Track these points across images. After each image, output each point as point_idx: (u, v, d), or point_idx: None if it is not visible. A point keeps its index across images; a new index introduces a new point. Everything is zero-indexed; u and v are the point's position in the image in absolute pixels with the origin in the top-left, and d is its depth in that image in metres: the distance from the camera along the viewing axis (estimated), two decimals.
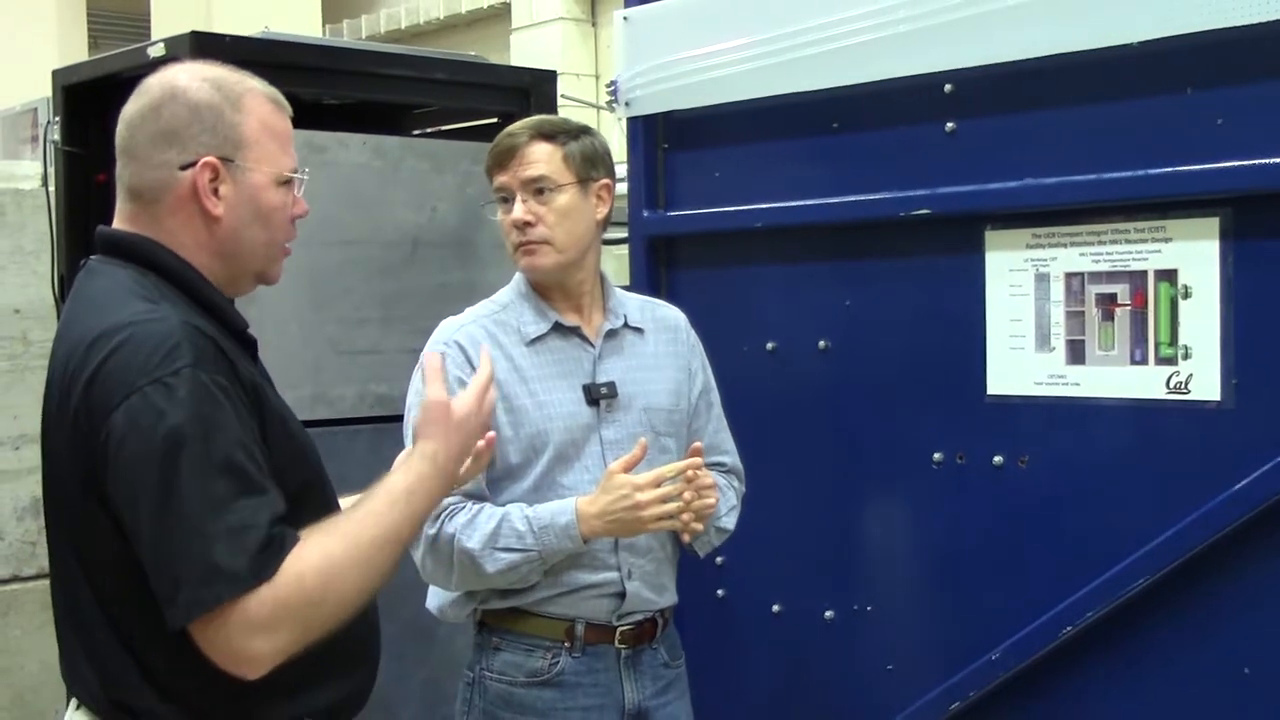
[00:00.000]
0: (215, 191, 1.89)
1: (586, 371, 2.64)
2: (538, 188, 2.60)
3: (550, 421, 2.58)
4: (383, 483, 1.90)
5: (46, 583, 4.60)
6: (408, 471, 1.90)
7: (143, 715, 1.81)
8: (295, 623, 1.74)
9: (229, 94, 1.91)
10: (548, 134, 2.63)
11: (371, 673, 2.03)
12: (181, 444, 1.70)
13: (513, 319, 2.65)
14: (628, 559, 2.60)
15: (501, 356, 2.59)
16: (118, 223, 1.93)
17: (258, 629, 1.71)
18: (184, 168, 1.87)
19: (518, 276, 2.71)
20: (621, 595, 2.61)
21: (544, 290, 2.68)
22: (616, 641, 2.62)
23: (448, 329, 2.67)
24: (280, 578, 1.71)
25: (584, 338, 2.66)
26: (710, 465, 2.79)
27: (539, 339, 2.63)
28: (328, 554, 1.76)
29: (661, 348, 2.75)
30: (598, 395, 2.62)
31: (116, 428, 1.72)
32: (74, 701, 1.90)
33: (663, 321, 2.79)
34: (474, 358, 2.57)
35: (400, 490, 1.88)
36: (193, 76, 1.91)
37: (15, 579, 4.52)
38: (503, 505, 2.56)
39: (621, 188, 3.47)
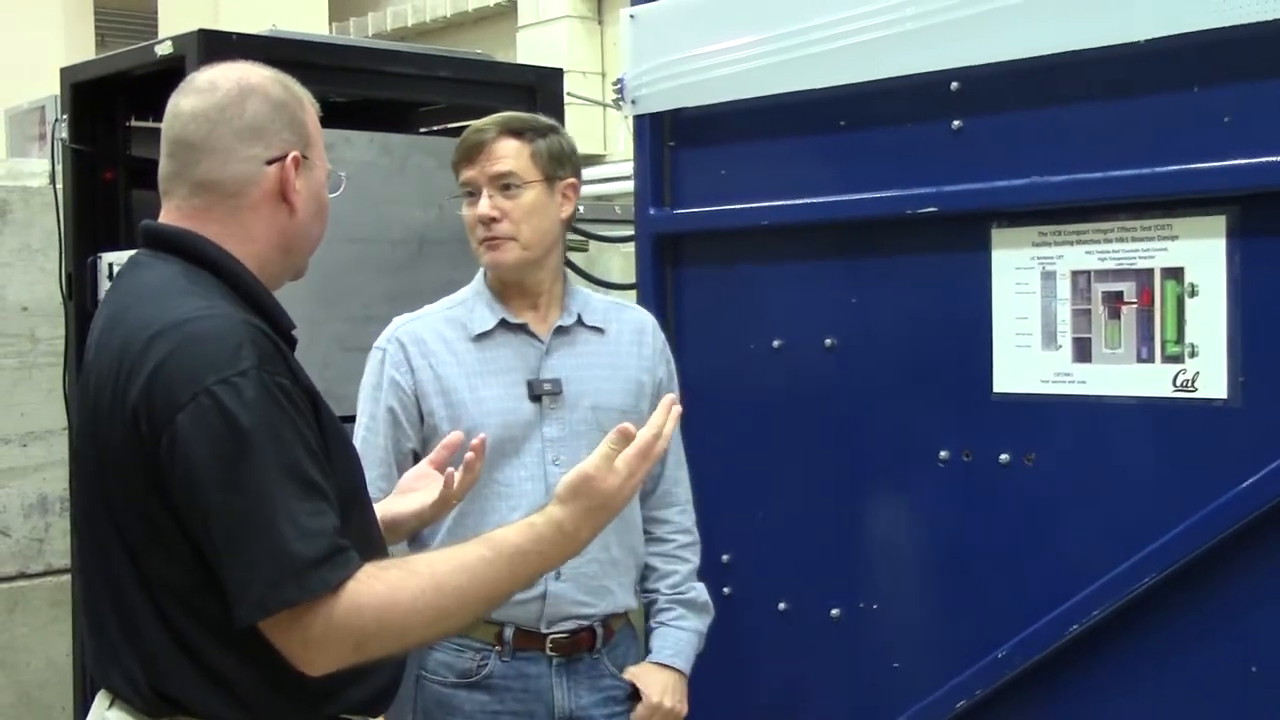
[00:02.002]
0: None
1: (532, 368, 2.63)
2: (504, 184, 2.59)
3: (487, 417, 2.57)
4: (500, 533, 1.86)
5: (53, 580, 4.61)
6: (527, 531, 1.85)
7: (190, 708, 1.81)
8: (347, 646, 1.75)
9: (294, 94, 1.96)
10: (516, 130, 2.63)
11: (404, 665, 2.06)
12: (250, 448, 1.70)
13: (463, 315, 2.66)
14: None
15: (447, 352, 2.61)
16: (169, 218, 1.94)
17: (311, 642, 1.73)
18: (269, 162, 1.90)
19: (479, 274, 2.71)
20: (545, 596, 2.58)
21: (501, 287, 2.67)
22: (547, 649, 2.61)
23: (395, 325, 2.70)
24: (340, 601, 1.71)
25: (532, 334, 2.65)
26: (653, 525, 2.78)
27: (485, 335, 2.63)
28: (395, 593, 1.75)
29: (623, 348, 2.73)
30: (540, 391, 2.61)
31: (183, 428, 1.72)
32: (105, 699, 1.90)
33: (629, 323, 2.77)
34: (413, 356, 2.61)
35: (509, 548, 1.83)
36: (259, 75, 1.95)
37: (22, 575, 4.53)
38: None
39: (628, 185, 3.48)
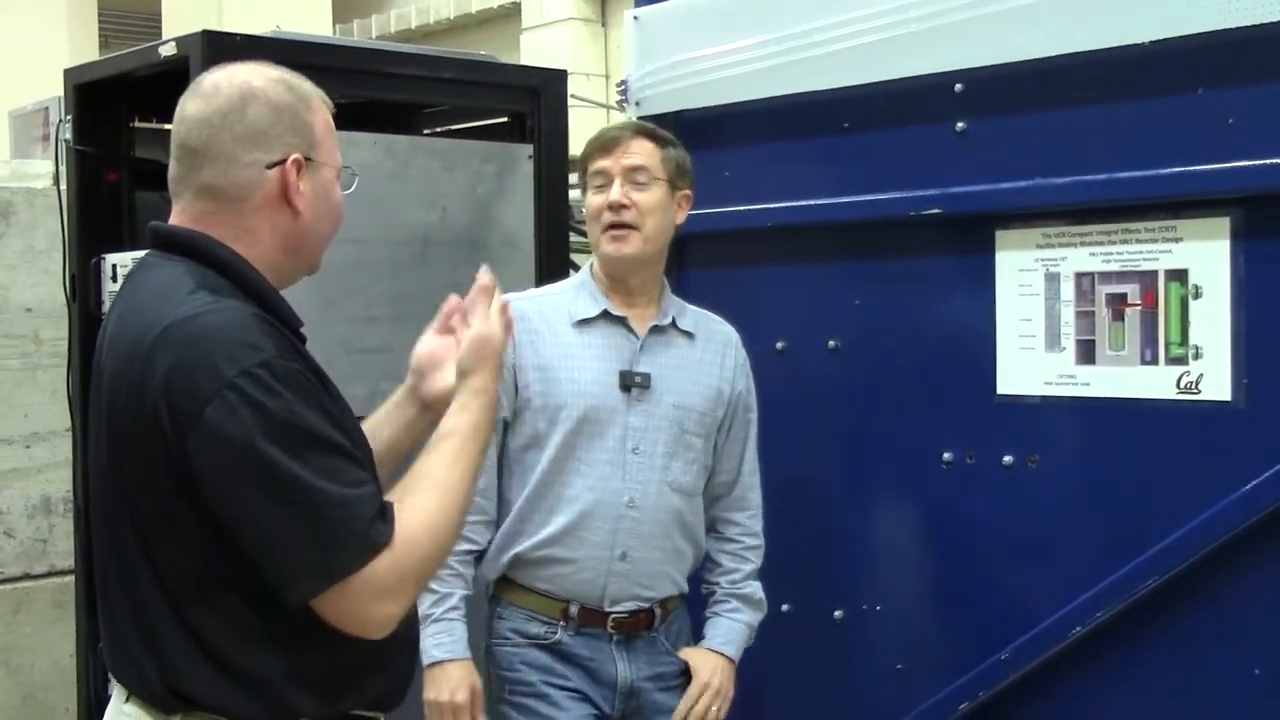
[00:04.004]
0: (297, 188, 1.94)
1: (626, 360, 2.76)
2: (637, 178, 2.73)
3: (578, 397, 2.71)
4: (449, 424, 1.98)
5: (57, 580, 4.60)
6: (466, 409, 2.00)
7: (203, 703, 1.83)
8: (415, 582, 1.84)
9: (299, 95, 1.97)
10: (649, 134, 2.80)
11: (414, 660, 2.09)
12: (284, 430, 1.74)
13: (567, 302, 2.79)
14: (625, 541, 2.71)
15: (549, 331, 2.76)
16: (177, 221, 1.95)
17: (385, 593, 1.79)
18: (270, 166, 1.91)
19: (586, 267, 2.86)
20: (610, 574, 2.71)
21: (608, 283, 2.80)
22: (609, 626, 2.73)
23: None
24: (398, 543, 1.79)
25: (630, 329, 2.78)
26: (724, 525, 2.91)
27: (586, 321, 2.77)
28: (428, 510, 1.86)
29: (709, 357, 2.85)
30: (631, 382, 2.74)
31: (212, 422, 1.74)
32: (122, 694, 1.91)
33: (717, 335, 2.90)
34: (518, 331, 2.69)
35: (468, 427, 1.98)
36: (264, 78, 1.95)
37: (26, 576, 4.52)
38: (526, 476, 2.72)
39: None
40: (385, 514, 1.81)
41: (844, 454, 3.10)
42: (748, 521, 2.92)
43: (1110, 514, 2.69)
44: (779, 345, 3.18)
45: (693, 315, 2.88)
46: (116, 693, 1.92)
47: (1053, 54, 2.68)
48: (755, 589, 2.91)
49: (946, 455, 2.91)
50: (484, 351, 2.05)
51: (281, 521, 1.75)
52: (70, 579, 4.35)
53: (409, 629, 2.00)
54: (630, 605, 2.74)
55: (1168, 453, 2.63)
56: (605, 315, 2.77)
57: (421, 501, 1.86)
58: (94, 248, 3.95)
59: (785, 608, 3.16)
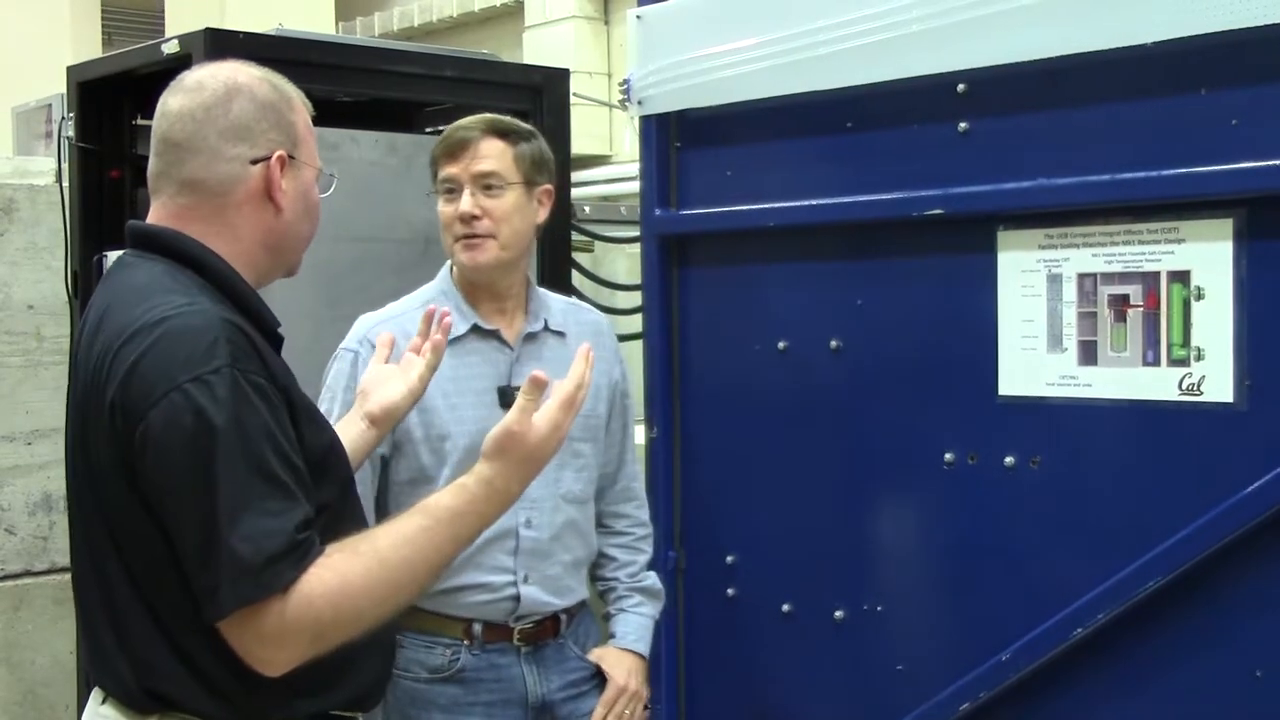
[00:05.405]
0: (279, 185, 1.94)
1: (503, 374, 2.65)
2: (487, 184, 2.62)
3: (460, 425, 2.59)
4: (430, 500, 1.88)
5: (58, 578, 4.60)
6: (459, 493, 1.89)
7: (178, 704, 1.83)
8: (304, 639, 1.76)
9: (283, 94, 1.97)
10: (501, 131, 2.66)
11: (391, 660, 2.08)
12: (217, 444, 1.72)
13: None
14: (526, 563, 2.63)
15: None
16: (156, 217, 1.94)
17: (268, 639, 1.74)
18: (254, 162, 1.91)
19: (443, 273, 2.74)
20: (517, 599, 2.64)
21: (470, 289, 2.69)
22: (515, 639, 2.66)
23: (363, 325, 2.68)
24: (293, 596, 1.72)
25: (503, 340, 2.67)
26: (612, 519, 2.86)
27: (457, 340, 2.61)
28: (345, 577, 1.76)
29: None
30: (511, 399, 2.60)
31: (154, 423, 1.73)
32: (99, 695, 1.91)
33: (586, 326, 2.81)
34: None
35: (445, 513, 1.86)
36: (247, 75, 1.95)
37: (27, 573, 4.53)
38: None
39: (634, 186, 3.48)
40: (297, 557, 1.73)
41: (845, 454, 3.09)
42: (636, 512, 2.90)
43: (1112, 515, 2.69)
44: (781, 345, 3.18)
45: (560, 310, 2.79)
46: (95, 694, 1.92)
47: (1056, 54, 2.67)
48: (653, 580, 2.90)
49: (948, 456, 2.91)
50: (506, 445, 1.90)
51: (196, 540, 1.72)
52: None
53: (383, 629, 1.96)
54: (536, 617, 2.68)
55: (1170, 454, 2.63)
56: (476, 330, 2.66)
57: (347, 566, 1.76)
58: (96, 245, 3.96)
59: (786, 608, 3.16)
